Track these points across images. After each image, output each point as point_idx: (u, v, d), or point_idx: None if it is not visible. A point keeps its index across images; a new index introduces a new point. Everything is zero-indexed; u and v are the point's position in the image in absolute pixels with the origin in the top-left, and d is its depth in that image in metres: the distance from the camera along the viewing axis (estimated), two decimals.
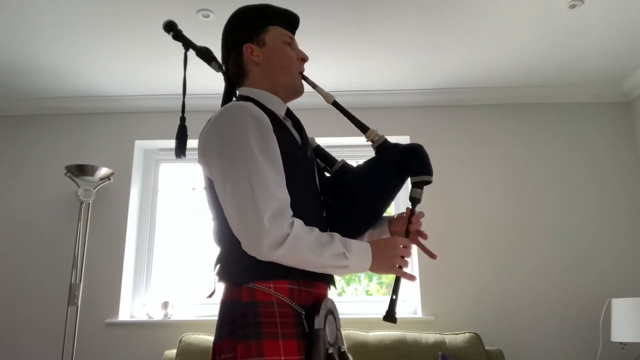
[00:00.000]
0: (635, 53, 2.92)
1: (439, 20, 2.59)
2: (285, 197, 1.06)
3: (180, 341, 2.72)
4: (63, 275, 3.09)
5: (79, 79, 3.15)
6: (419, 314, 3.05)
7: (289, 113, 1.30)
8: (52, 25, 2.58)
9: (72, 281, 2.97)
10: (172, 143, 3.40)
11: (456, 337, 2.73)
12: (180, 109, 3.40)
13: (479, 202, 3.18)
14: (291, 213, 1.06)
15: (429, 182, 1.25)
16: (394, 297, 1.21)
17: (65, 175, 3.10)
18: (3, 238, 3.21)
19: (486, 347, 2.73)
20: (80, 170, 3.06)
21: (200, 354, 2.63)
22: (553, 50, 2.88)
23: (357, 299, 3.19)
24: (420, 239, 1.32)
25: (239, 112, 1.09)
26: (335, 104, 1.31)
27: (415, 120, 3.30)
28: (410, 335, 2.73)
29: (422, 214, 1.30)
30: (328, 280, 1.20)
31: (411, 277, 1.20)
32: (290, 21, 1.33)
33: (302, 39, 2.64)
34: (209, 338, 2.74)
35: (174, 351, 2.72)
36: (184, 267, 3.29)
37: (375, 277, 3.35)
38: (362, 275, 3.34)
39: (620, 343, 2.75)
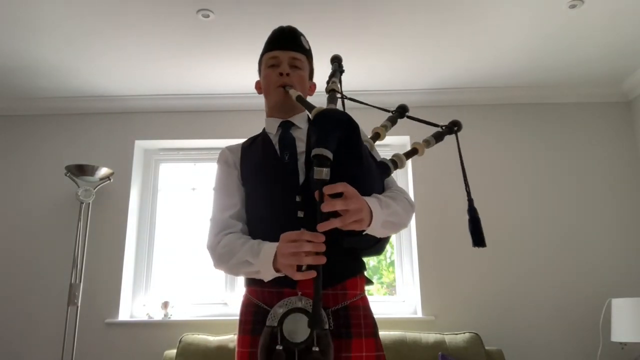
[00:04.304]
0: (635, 53, 2.92)
1: (439, 21, 2.59)
2: (223, 220, 1.29)
3: (180, 341, 2.72)
4: (63, 275, 3.09)
5: (79, 79, 3.15)
6: (419, 314, 3.05)
7: (288, 124, 1.38)
8: (52, 25, 2.58)
9: (72, 281, 2.97)
10: (172, 143, 3.44)
11: (456, 337, 2.73)
12: (179, 108, 3.41)
13: (478, 202, 3.17)
14: (226, 232, 1.27)
15: (318, 157, 1.01)
16: (315, 299, 1.01)
17: (65, 175, 3.10)
18: (3, 238, 3.21)
19: (486, 347, 2.73)
20: (80, 170, 3.06)
21: (200, 354, 2.63)
22: (553, 50, 2.88)
23: None
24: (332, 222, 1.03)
25: (218, 155, 1.43)
26: (299, 98, 1.31)
27: (415, 120, 3.28)
28: (410, 335, 2.73)
29: (330, 200, 1.01)
30: (283, 284, 1.18)
31: (305, 276, 1.04)
32: (277, 41, 1.41)
33: None
34: (209, 338, 2.74)
35: (174, 351, 2.72)
36: (184, 267, 3.29)
37: (375, 276, 3.35)
38: None
39: (620, 343, 2.75)
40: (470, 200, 1.27)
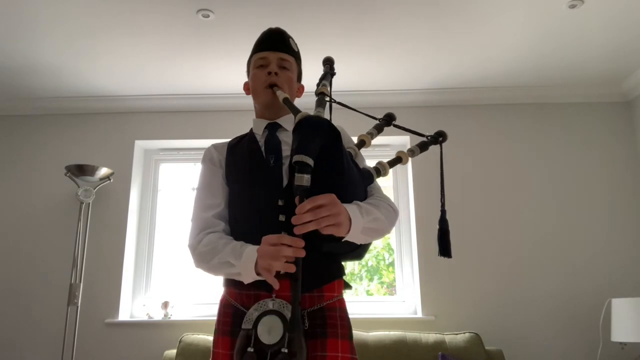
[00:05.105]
0: (635, 53, 2.92)
1: (438, 21, 2.59)
2: (206, 219, 1.28)
3: (180, 341, 2.72)
4: (63, 275, 3.09)
5: (79, 79, 3.15)
6: (419, 314, 3.05)
7: (274, 126, 1.39)
8: (52, 25, 2.58)
9: (72, 281, 2.97)
10: (172, 143, 3.44)
11: (456, 337, 2.73)
12: (179, 108, 3.41)
13: (478, 202, 3.18)
14: (207, 231, 1.26)
15: (299, 163, 1.03)
16: (294, 303, 1.04)
17: (65, 175, 3.10)
18: (3, 238, 3.21)
19: (486, 347, 2.73)
20: (80, 170, 3.06)
21: (200, 354, 2.63)
22: (553, 50, 2.88)
23: (357, 299, 3.19)
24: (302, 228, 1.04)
25: (203, 153, 1.43)
26: (285, 101, 1.31)
27: (415, 120, 3.29)
28: (410, 335, 2.73)
29: (305, 205, 1.02)
30: (261, 287, 1.18)
31: (272, 283, 1.07)
32: (266, 42, 1.42)
33: (300, 41, 2.64)
34: (209, 338, 2.74)
35: (174, 351, 2.72)
36: (184, 267, 3.29)
37: (375, 276, 3.35)
38: (364, 274, 3.34)
39: (620, 343, 2.75)
40: (443, 212, 1.28)
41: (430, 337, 2.72)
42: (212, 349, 1.26)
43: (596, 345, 2.89)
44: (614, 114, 3.33)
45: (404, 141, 3.35)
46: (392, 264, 3.32)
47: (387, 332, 2.73)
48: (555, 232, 3.13)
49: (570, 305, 3.01)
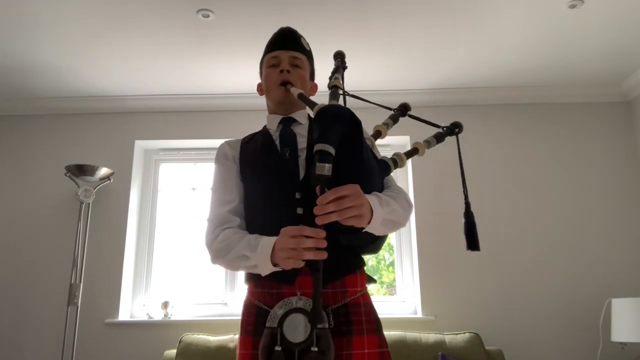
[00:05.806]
0: (635, 53, 2.92)
1: (439, 21, 2.59)
2: (220, 215, 1.28)
3: (180, 341, 2.72)
4: (63, 275, 3.09)
5: (79, 79, 3.15)
6: (419, 314, 3.05)
7: (289, 120, 1.38)
8: (52, 25, 2.58)
9: (72, 281, 2.97)
10: (172, 143, 3.44)
11: (456, 337, 2.73)
12: (179, 108, 3.41)
13: (478, 201, 3.18)
14: (223, 227, 1.26)
15: (320, 152, 1.01)
16: (315, 294, 1.02)
17: (65, 175, 3.10)
18: (3, 238, 3.21)
19: (486, 347, 2.73)
20: (80, 170, 3.06)
21: (200, 354, 2.63)
22: (553, 50, 2.88)
23: None
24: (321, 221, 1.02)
25: (217, 151, 1.42)
26: (300, 96, 1.30)
27: (415, 120, 3.28)
28: (410, 335, 2.73)
29: (328, 196, 1.01)
30: (281, 280, 1.18)
31: (301, 264, 1.05)
32: (277, 41, 1.43)
33: None
34: (209, 338, 2.74)
35: (174, 351, 2.72)
36: (184, 267, 3.29)
37: (375, 276, 3.34)
38: None
39: (620, 343, 2.75)
40: (467, 204, 1.27)
41: (430, 337, 2.72)
42: (237, 351, 1.25)
43: (596, 346, 2.89)
44: (614, 114, 3.33)
45: (404, 141, 3.35)
46: (392, 264, 3.32)
47: (387, 332, 2.71)
48: (555, 232, 3.13)
49: (570, 305, 3.01)
